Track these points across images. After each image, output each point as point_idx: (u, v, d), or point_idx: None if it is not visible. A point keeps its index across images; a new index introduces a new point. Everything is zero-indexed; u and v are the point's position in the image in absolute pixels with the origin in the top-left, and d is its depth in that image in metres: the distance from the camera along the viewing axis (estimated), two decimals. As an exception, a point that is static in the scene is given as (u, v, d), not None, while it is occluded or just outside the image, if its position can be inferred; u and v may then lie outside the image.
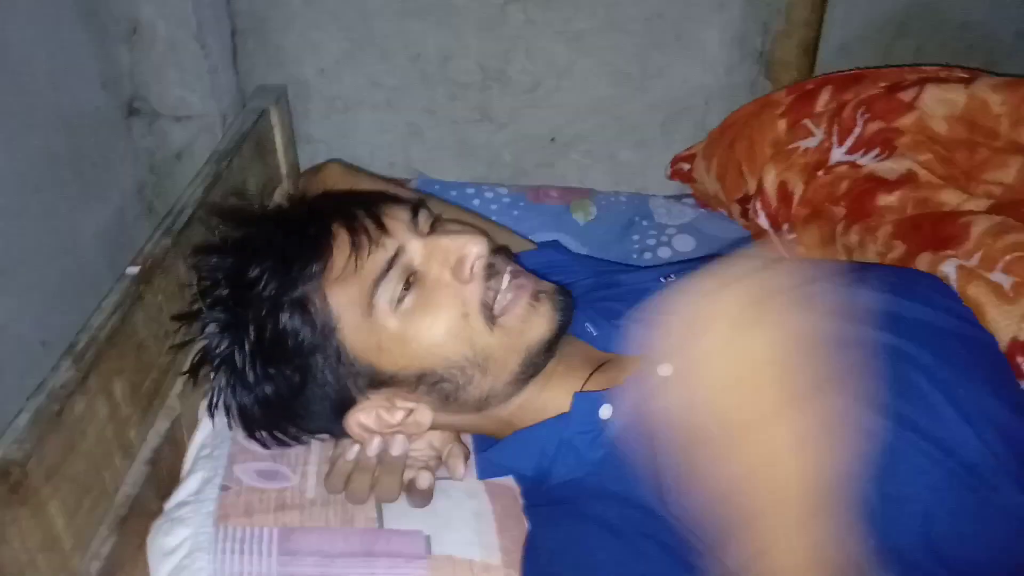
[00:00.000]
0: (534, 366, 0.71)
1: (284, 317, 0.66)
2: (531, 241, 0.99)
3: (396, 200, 0.73)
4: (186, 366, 0.74)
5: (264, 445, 0.74)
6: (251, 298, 0.66)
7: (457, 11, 1.18)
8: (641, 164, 1.29)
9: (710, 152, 1.13)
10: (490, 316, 0.68)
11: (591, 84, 1.23)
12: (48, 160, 0.93)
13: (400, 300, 0.66)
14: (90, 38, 1.01)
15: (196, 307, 0.70)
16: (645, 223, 1.19)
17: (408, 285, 0.67)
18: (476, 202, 1.17)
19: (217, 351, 0.69)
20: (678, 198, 1.25)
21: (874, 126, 0.91)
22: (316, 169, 0.96)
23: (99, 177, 1.03)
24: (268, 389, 0.68)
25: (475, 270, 0.68)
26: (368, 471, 0.72)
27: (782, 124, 1.01)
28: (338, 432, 0.73)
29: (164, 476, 0.74)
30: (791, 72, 1.17)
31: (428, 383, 0.69)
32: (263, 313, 0.66)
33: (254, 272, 0.66)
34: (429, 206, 0.74)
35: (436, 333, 0.67)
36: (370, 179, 0.95)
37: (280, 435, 0.73)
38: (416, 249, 0.69)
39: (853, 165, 0.93)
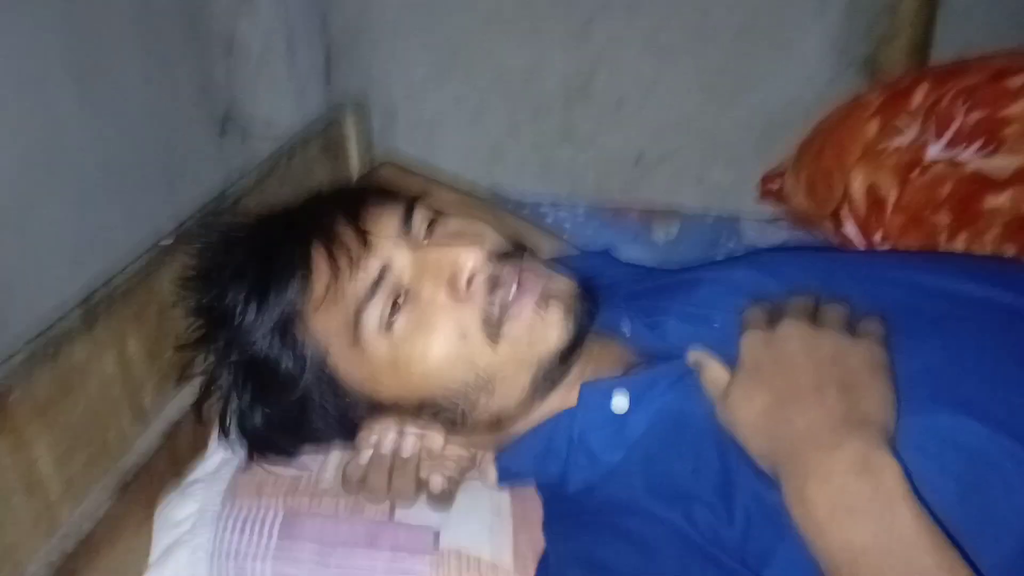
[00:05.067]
0: (549, 379, 0.63)
1: (267, 348, 0.62)
2: (576, 248, 0.93)
3: (387, 200, 0.67)
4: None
5: (280, 461, 0.70)
6: (232, 330, 0.63)
7: (541, 28, 1.16)
8: (734, 185, 1.20)
9: (799, 165, 1.03)
10: (493, 331, 0.61)
11: (679, 100, 1.17)
12: (137, 163, 0.99)
13: (389, 325, 0.60)
14: (189, 52, 1.08)
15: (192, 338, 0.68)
16: (732, 244, 1.10)
17: (396, 307, 0.61)
18: (550, 219, 1.13)
19: (216, 385, 0.66)
20: (774, 219, 1.15)
21: (976, 115, 0.80)
22: (371, 171, 0.96)
23: (187, 183, 1.09)
24: (270, 420, 0.65)
25: (473, 287, 0.61)
26: (383, 470, 0.66)
27: (873, 125, 0.90)
28: (351, 445, 0.69)
29: (184, 451, 0.73)
30: (900, 79, 1.06)
31: (430, 411, 0.64)
32: (245, 345, 0.63)
33: (230, 304, 0.63)
34: (426, 202, 0.68)
35: (431, 360, 0.60)
36: (424, 181, 0.93)
37: (291, 457, 0.70)
38: (404, 264, 0.62)
39: (953, 163, 0.82)
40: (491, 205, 0.96)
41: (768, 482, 0.52)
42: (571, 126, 1.22)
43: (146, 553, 0.66)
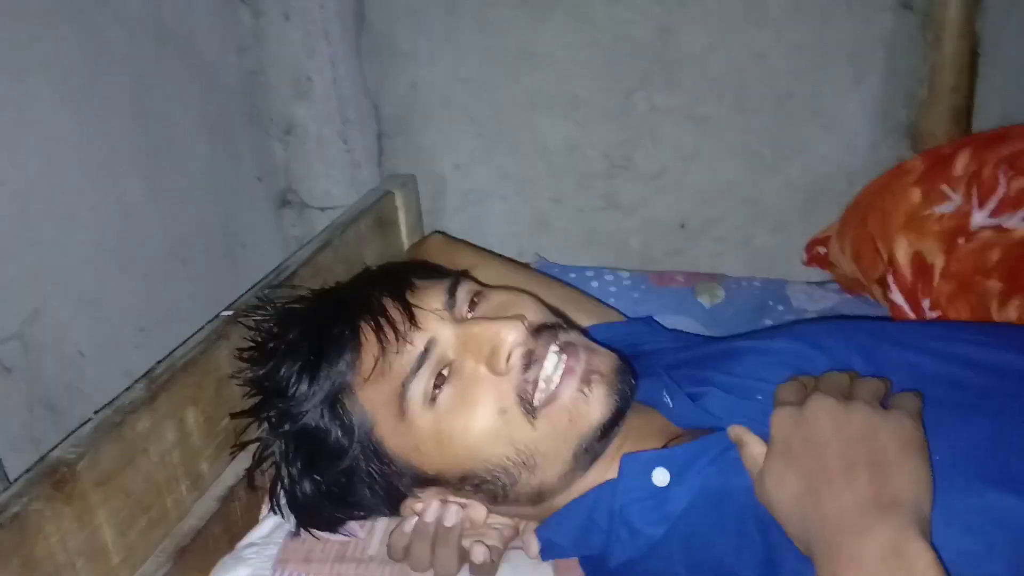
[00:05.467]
0: (590, 454, 0.64)
1: (317, 419, 0.64)
2: (620, 314, 0.94)
3: (432, 276, 0.69)
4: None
5: (328, 531, 0.72)
6: (283, 403, 0.65)
7: (583, 103, 1.21)
8: (780, 249, 1.21)
9: (844, 231, 1.04)
10: (530, 409, 0.61)
11: (721, 167, 1.20)
12: (200, 236, 1.05)
13: (434, 398, 0.62)
14: (250, 134, 1.15)
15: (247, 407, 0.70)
16: (781, 307, 1.10)
17: (441, 380, 0.62)
18: (595, 284, 1.14)
19: (267, 453, 0.69)
20: (821, 284, 1.15)
21: (1020, 183, 0.80)
22: (420, 242, 0.99)
23: (248, 258, 1.15)
24: (319, 489, 0.67)
25: (511, 361, 0.62)
26: (427, 540, 0.67)
27: (916, 193, 0.91)
28: (396, 515, 0.70)
29: (238, 517, 0.75)
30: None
31: (472, 484, 0.65)
32: (295, 416, 0.65)
33: (284, 376, 0.65)
34: (470, 278, 0.70)
35: (472, 434, 0.61)
36: (471, 251, 0.96)
37: (338, 524, 0.71)
38: (448, 339, 0.63)
39: (1000, 229, 0.81)
40: (536, 274, 0.98)
41: (809, 561, 0.52)
42: (615, 195, 1.25)
43: (200, 617, 0.68)
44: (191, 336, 0.72)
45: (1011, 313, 0.82)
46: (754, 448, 0.57)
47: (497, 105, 1.23)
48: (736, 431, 0.59)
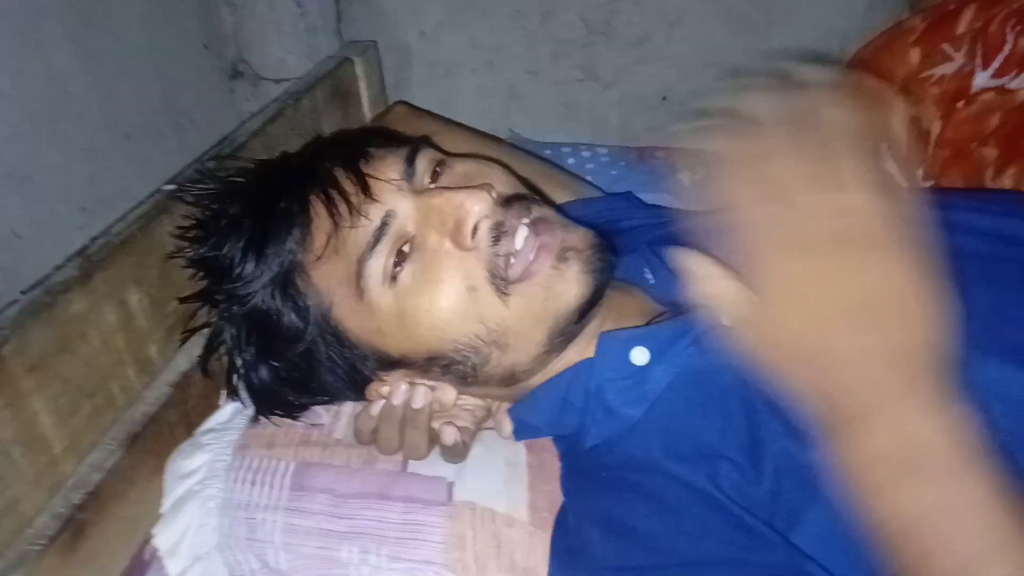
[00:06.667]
0: (566, 334, 0.60)
1: (267, 300, 0.60)
2: (598, 189, 0.89)
3: (389, 145, 0.63)
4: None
5: (289, 417, 0.68)
6: (229, 284, 0.60)
7: (559, -39, 1.11)
8: (766, 123, 1.15)
9: (837, 98, 0.97)
10: (503, 285, 0.57)
11: (706, 34, 1.12)
12: (143, 109, 0.97)
13: (394, 276, 0.57)
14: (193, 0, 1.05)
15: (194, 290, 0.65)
16: (765, 184, 1.05)
17: (402, 256, 0.57)
18: (571, 161, 1.08)
19: (220, 339, 0.64)
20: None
21: (1030, 39, 0.74)
22: (383, 113, 0.92)
23: (198, 134, 1.06)
24: (277, 375, 0.63)
25: (478, 234, 0.57)
26: (395, 422, 0.64)
27: (915, 54, 0.84)
28: (362, 399, 0.66)
29: (196, 403, 0.71)
30: (945, 4, 0.99)
31: (440, 365, 0.60)
32: (243, 298, 0.60)
33: (227, 255, 0.60)
34: (432, 145, 0.64)
35: (438, 313, 0.57)
36: (439, 121, 0.90)
37: (300, 410, 0.68)
38: (408, 212, 0.58)
39: (1002, 91, 0.76)
40: (508, 147, 0.92)
41: (800, 440, 0.48)
42: (593, 65, 1.17)
43: (157, 504, 0.65)
44: (129, 211, 0.66)
45: (1006, 182, 0.78)
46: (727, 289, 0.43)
47: (466, -36, 1.13)
48: (683, 257, 0.44)
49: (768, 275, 0.41)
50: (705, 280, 0.43)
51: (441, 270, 0.57)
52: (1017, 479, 0.41)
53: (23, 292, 0.56)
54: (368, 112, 1.06)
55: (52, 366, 0.56)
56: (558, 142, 1.11)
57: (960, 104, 0.78)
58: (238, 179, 0.65)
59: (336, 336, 0.61)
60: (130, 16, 0.94)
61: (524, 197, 0.61)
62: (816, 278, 0.41)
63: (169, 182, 0.70)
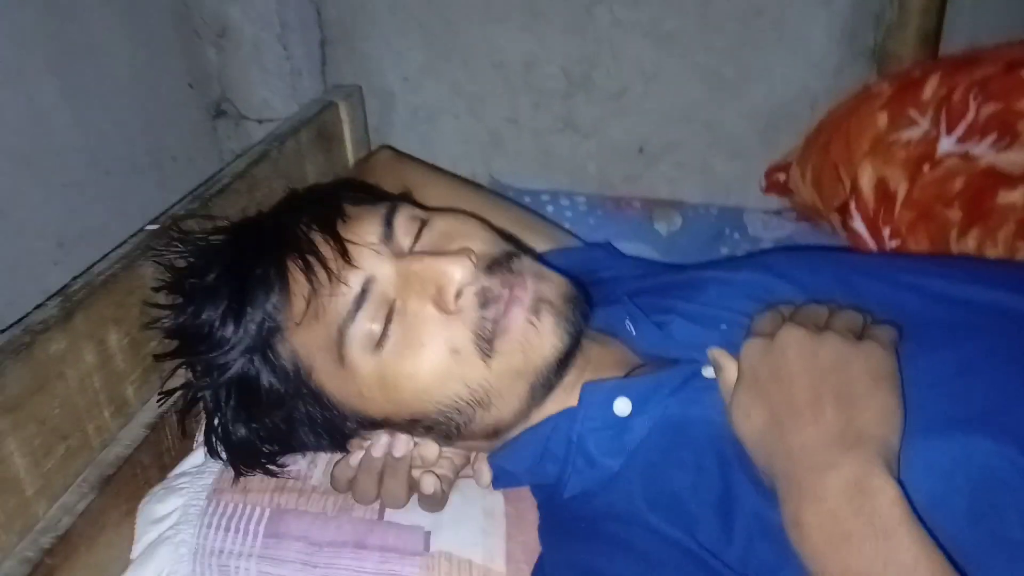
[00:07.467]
0: (546, 387, 0.60)
1: (247, 366, 0.59)
2: (577, 239, 0.90)
3: (366, 203, 0.63)
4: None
5: (266, 473, 0.67)
6: (207, 350, 0.59)
7: (541, 14, 1.14)
8: (739, 176, 1.18)
9: (806, 157, 1.01)
10: (487, 348, 0.57)
11: (682, 89, 1.15)
12: (124, 146, 0.97)
13: (379, 343, 0.57)
14: (179, 39, 1.05)
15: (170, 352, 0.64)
16: (737, 235, 1.08)
17: (388, 319, 0.57)
18: (550, 208, 1.10)
19: (199, 398, 0.63)
20: (779, 212, 1.13)
21: (990, 108, 0.77)
22: (366, 158, 0.93)
23: (179, 171, 1.07)
24: (257, 434, 0.63)
25: (462, 301, 0.57)
26: (373, 473, 0.63)
27: (883, 117, 0.88)
28: (343, 452, 0.66)
29: (170, 445, 0.70)
30: (909, 69, 1.03)
31: (423, 427, 0.61)
32: (223, 366, 0.59)
33: (205, 322, 0.59)
34: (410, 202, 0.64)
35: (421, 378, 0.57)
36: (421, 168, 0.91)
37: (280, 467, 0.67)
38: (388, 277, 0.58)
39: (966, 157, 0.80)
40: (489, 194, 0.93)
41: (771, 499, 0.50)
42: (572, 115, 1.19)
43: (128, 549, 0.64)
44: (112, 250, 0.66)
45: (970, 243, 0.81)
46: (729, 374, 0.55)
47: (449, 13, 1.15)
48: (715, 354, 0.56)
49: (743, 372, 0.54)
50: (723, 367, 0.55)
51: (423, 334, 0.57)
52: (979, 544, 0.44)
53: (1, 331, 0.55)
54: (351, 155, 1.07)
55: (28, 407, 0.55)
56: (538, 189, 1.13)
57: (926, 167, 0.82)
58: (214, 240, 0.64)
59: (316, 399, 0.61)
60: (115, 51, 0.95)
61: (507, 258, 0.61)
62: (773, 380, 0.51)
63: (152, 222, 0.70)
